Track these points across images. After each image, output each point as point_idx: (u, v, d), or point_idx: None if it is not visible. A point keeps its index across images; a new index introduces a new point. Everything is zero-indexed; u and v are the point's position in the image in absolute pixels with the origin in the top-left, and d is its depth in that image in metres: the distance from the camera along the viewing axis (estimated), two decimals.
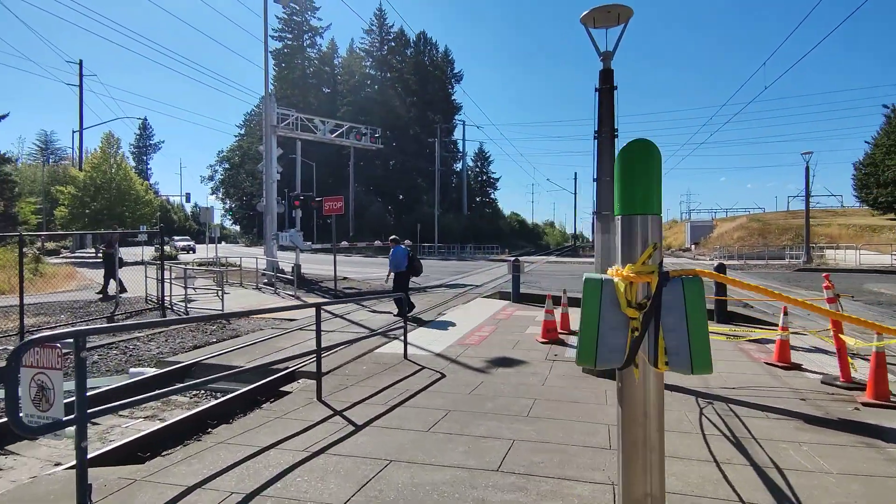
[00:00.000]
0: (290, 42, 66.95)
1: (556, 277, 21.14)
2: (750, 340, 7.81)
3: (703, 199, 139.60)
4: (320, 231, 47.43)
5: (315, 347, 5.09)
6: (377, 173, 63.99)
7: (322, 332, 5.19)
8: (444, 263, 33.33)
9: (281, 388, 5.90)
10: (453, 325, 9.51)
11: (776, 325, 9.28)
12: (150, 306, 12.36)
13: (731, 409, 4.69)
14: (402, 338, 7.06)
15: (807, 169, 26.19)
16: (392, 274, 10.79)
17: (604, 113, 6.06)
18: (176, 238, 46.34)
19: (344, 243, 29.44)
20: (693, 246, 54.83)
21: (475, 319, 10.08)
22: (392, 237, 11.17)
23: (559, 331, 8.36)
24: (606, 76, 6.08)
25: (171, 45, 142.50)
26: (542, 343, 7.79)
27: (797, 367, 6.28)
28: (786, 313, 6.47)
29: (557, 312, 9.24)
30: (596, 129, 6.12)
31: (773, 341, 6.95)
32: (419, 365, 6.51)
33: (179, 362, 7.17)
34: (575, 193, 59.54)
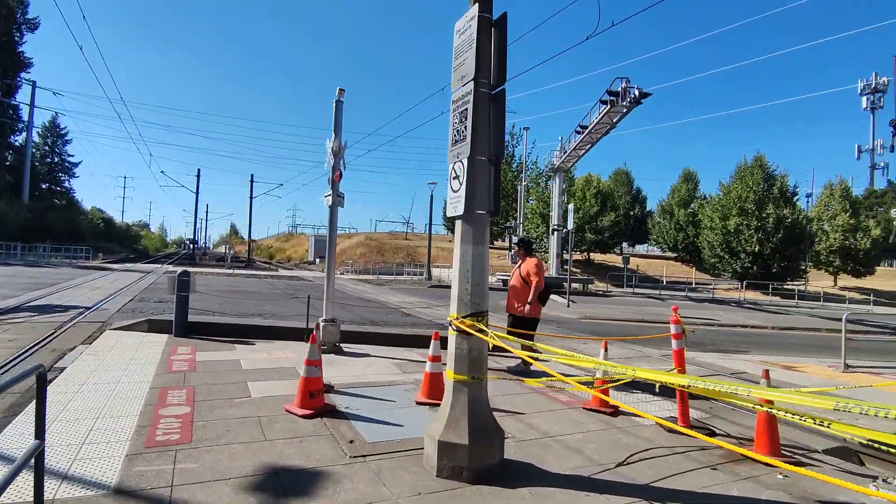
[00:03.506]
0: None
1: (212, 297, 16.39)
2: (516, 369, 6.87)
3: (308, 216, 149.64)
4: None
5: None
6: None
7: None
8: (7, 271, 22.53)
9: None
10: (101, 391, 5.10)
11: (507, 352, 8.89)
12: None
13: None
14: (30, 462, 2.79)
15: (431, 198, 30.14)
16: None
17: (480, 56, 3.83)
18: None
19: None
20: (318, 259, 56.35)
21: (138, 376, 5.83)
22: None
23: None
24: (485, 1, 3.89)
25: None
26: (304, 416, 4.73)
27: (616, 410, 5.54)
28: (606, 349, 5.68)
29: (297, 356, 6.30)
30: (472, 79, 3.82)
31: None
32: None
33: None
34: (197, 193, 51.87)
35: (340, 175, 7.98)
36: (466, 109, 3.82)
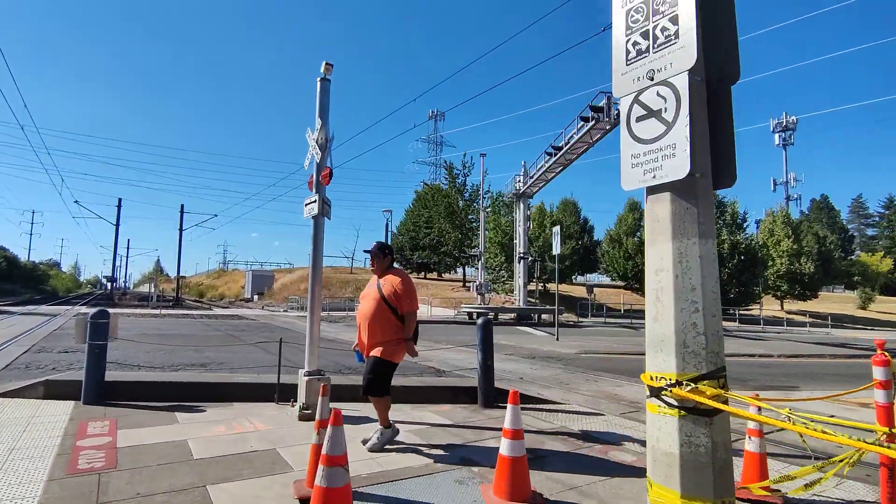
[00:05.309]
0: None
1: (136, 345, 12.93)
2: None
3: (240, 253, 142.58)
4: None
5: None
6: None
7: None
8: None
9: None
10: None
11: (555, 401, 7.04)
12: None
13: None
14: None
15: (387, 226, 28.14)
16: None
17: None
18: None
19: None
20: (256, 296, 52.22)
21: (15, 487, 3.46)
22: None
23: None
24: None
25: None
26: None
27: (785, 498, 3.76)
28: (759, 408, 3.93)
29: (273, 427, 4.23)
30: None
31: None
32: None
33: None
34: (117, 224, 46.66)
35: (330, 174, 5.97)
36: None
